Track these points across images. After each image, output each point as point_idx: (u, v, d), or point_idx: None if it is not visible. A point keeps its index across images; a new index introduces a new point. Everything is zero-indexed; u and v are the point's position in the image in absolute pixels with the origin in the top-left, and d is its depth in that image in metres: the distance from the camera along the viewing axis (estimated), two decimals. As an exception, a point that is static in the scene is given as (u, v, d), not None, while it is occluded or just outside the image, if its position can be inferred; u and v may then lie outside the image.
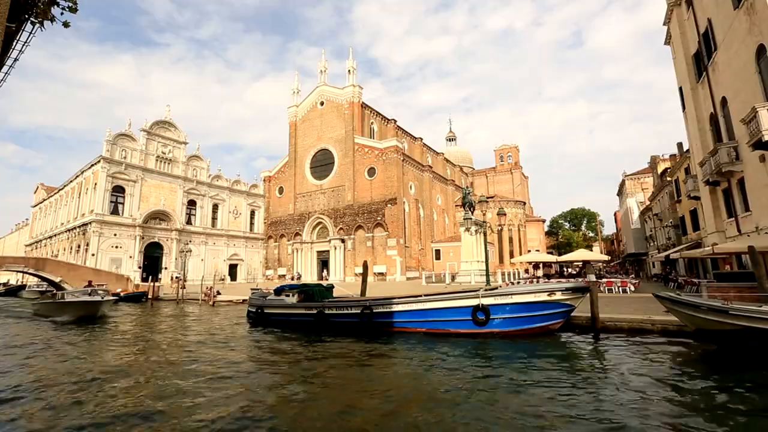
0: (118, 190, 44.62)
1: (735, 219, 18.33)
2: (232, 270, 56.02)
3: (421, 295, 14.48)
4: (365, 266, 23.30)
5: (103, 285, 27.30)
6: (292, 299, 17.17)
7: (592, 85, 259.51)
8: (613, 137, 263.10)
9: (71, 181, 51.11)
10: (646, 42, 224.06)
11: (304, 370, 9.46)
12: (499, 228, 49.74)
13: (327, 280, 46.76)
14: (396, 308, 13.96)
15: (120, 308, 26.46)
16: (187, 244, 47.77)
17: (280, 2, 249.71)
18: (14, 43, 6.17)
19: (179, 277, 37.98)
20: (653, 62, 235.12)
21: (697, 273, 28.87)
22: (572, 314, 12.69)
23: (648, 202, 49.26)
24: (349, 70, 53.94)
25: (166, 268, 47.16)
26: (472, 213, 32.43)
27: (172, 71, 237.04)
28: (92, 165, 45.25)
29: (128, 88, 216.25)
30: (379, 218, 47.46)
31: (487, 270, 19.88)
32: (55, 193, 58.10)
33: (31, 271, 32.85)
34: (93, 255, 40.86)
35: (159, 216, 47.78)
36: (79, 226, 44.52)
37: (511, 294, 12.63)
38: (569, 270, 37.02)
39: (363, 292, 20.66)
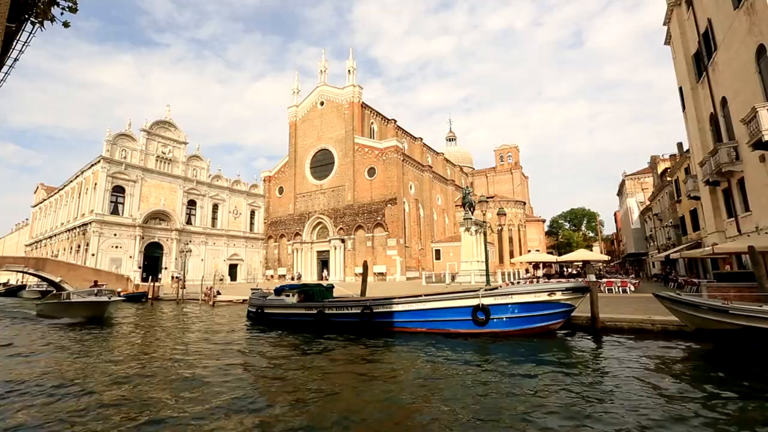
0: (118, 190, 44.62)
1: (735, 219, 18.33)
2: (232, 270, 56.03)
3: (421, 295, 14.49)
4: (365, 266, 23.29)
5: (103, 285, 27.22)
6: (292, 299, 17.17)
7: (592, 85, 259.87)
8: (613, 137, 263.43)
9: (71, 181, 51.12)
10: (646, 42, 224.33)
11: (303, 370, 9.46)
12: (499, 228, 49.74)
13: (327, 280, 46.76)
14: (396, 308, 13.96)
15: (120, 308, 26.43)
16: (187, 244, 47.74)
17: (280, 2, 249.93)
18: (14, 43, 6.16)
19: (179, 277, 37.95)
20: (653, 62, 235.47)
21: (697, 273, 28.87)
22: (572, 314, 12.69)
23: (648, 202, 49.25)
24: (349, 70, 53.95)
25: (166, 268, 47.17)
26: (472, 213, 32.43)
27: (172, 71, 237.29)
28: (92, 165, 45.26)
29: (128, 88, 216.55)
30: (379, 218, 47.46)
31: (487, 270, 19.88)
32: (55, 193, 58.10)
33: (31, 271, 32.84)
34: (93, 255, 40.87)
35: (159, 216, 47.79)
36: (79, 226, 44.52)
37: (512, 294, 12.64)
38: (569, 270, 37.00)
39: (363, 292, 20.65)
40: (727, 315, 8.79)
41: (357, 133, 51.72)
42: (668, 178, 36.19)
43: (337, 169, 52.87)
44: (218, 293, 29.62)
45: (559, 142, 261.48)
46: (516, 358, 9.83)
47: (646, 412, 6.03)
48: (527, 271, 46.04)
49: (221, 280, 48.93)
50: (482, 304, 12.46)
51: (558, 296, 12.19)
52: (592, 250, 51.94)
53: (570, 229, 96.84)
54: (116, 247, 43.08)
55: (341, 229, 50.20)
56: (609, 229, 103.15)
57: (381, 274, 45.58)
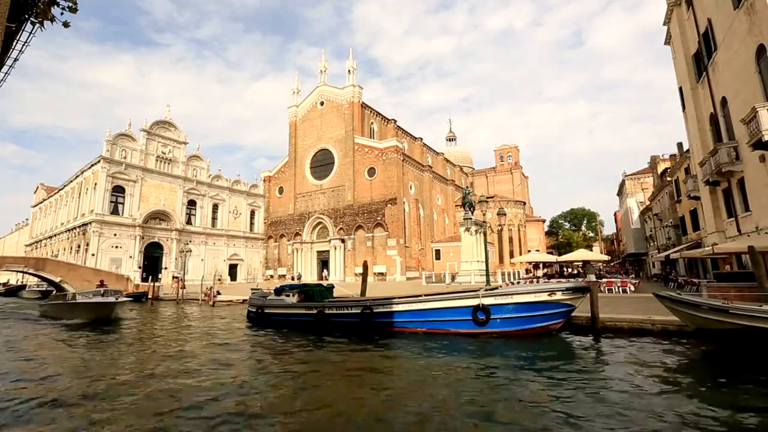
0: (118, 190, 44.61)
1: (735, 219, 18.32)
2: (232, 270, 56.02)
3: (421, 295, 14.48)
4: (365, 266, 23.28)
5: (107, 285, 27.12)
6: (293, 299, 17.16)
7: (592, 85, 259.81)
8: (613, 137, 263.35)
9: (71, 181, 51.11)
10: (646, 42, 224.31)
11: (303, 370, 9.46)
12: (499, 228, 49.74)
13: (327, 280, 46.76)
14: (396, 308, 13.95)
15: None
16: (187, 244, 47.73)
17: (280, 2, 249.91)
18: (14, 43, 6.16)
19: (179, 277, 37.94)
20: (653, 62, 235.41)
21: (697, 273, 28.87)
22: (573, 314, 12.68)
23: (648, 202, 49.26)
24: (349, 70, 53.95)
25: (166, 268, 47.16)
26: (472, 213, 32.44)
27: (172, 71, 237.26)
28: (92, 165, 45.25)
29: (128, 88, 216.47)
30: (379, 218, 47.46)
31: (487, 270, 19.88)
32: (55, 193, 58.09)
33: (31, 271, 32.79)
34: (93, 255, 40.86)
35: (159, 216, 47.78)
36: (79, 226, 44.51)
37: (512, 294, 12.63)
38: (569, 270, 37.01)
39: (363, 292, 20.64)
40: (727, 315, 8.79)
41: (357, 133, 51.72)
42: (668, 178, 36.19)
43: (337, 169, 52.87)
44: (218, 293, 29.62)
45: (559, 142, 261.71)
46: (516, 359, 9.83)
47: (646, 412, 6.02)
48: (527, 271, 46.07)
49: (219, 279, 48.89)
50: (482, 304, 12.45)
51: (558, 296, 12.18)
52: (592, 250, 51.93)
53: (570, 229, 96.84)
54: (116, 247, 43.07)
55: (341, 229, 50.20)
56: (609, 229, 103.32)
57: (381, 274, 45.57)
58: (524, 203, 68.38)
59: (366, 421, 6.11)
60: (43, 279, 34.40)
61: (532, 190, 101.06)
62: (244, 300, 25.81)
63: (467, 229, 31.74)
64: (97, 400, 7.17)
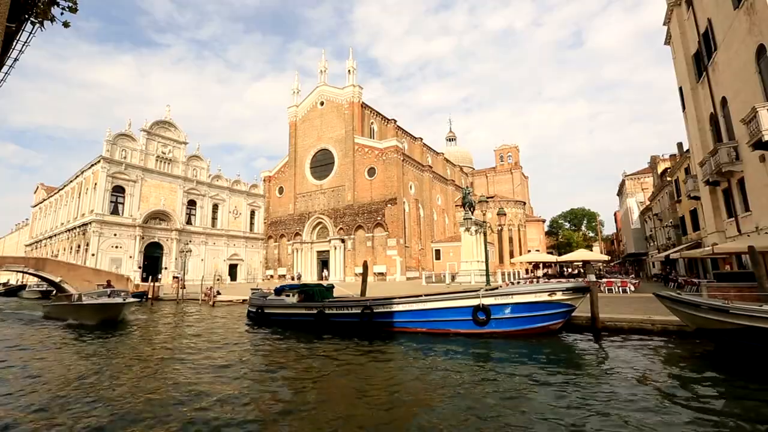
0: (118, 190, 44.60)
1: (735, 219, 18.32)
2: (232, 270, 56.01)
3: (421, 295, 14.48)
4: (365, 266, 23.27)
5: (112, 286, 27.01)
6: (293, 299, 17.16)
7: (592, 85, 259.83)
8: (613, 137, 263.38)
9: (71, 181, 51.10)
10: (646, 42, 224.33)
11: (304, 370, 9.46)
12: (499, 228, 49.74)
13: (327, 280, 46.75)
14: (396, 308, 13.95)
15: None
16: (187, 244, 47.72)
17: (280, 2, 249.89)
18: (14, 43, 6.16)
19: (179, 277, 37.91)
20: (653, 62, 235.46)
21: (697, 273, 28.86)
22: (573, 314, 12.68)
23: (648, 202, 49.25)
24: (349, 70, 53.94)
25: (166, 268, 47.15)
26: (472, 213, 32.43)
27: (173, 71, 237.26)
28: (92, 165, 45.24)
29: (128, 88, 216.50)
30: (379, 218, 47.45)
31: (487, 270, 19.87)
32: (55, 193, 58.08)
33: (31, 271, 32.77)
34: (93, 255, 40.86)
35: (159, 216, 47.77)
36: (79, 226, 44.50)
37: (512, 294, 12.63)
38: (569, 270, 37.00)
39: (363, 292, 20.64)
40: (727, 314, 8.77)
41: (357, 133, 51.71)
42: (668, 178, 36.19)
43: (337, 169, 52.86)
44: (218, 293, 29.61)
45: (559, 142, 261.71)
46: (516, 359, 9.83)
47: (646, 412, 6.02)
48: (527, 271, 46.05)
49: (219, 279, 48.89)
50: (483, 304, 12.45)
51: (558, 296, 12.18)
52: (592, 250, 51.93)
53: (570, 229, 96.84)
54: (116, 247, 43.06)
55: (341, 229, 50.19)
56: (609, 229, 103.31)
57: (381, 274, 45.57)
58: (524, 203, 68.38)
59: (366, 421, 6.11)
60: (43, 279, 34.38)
61: (532, 190, 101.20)
62: (244, 300, 25.80)
63: (467, 229, 31.74)
64: (98, 402, 7.17)
